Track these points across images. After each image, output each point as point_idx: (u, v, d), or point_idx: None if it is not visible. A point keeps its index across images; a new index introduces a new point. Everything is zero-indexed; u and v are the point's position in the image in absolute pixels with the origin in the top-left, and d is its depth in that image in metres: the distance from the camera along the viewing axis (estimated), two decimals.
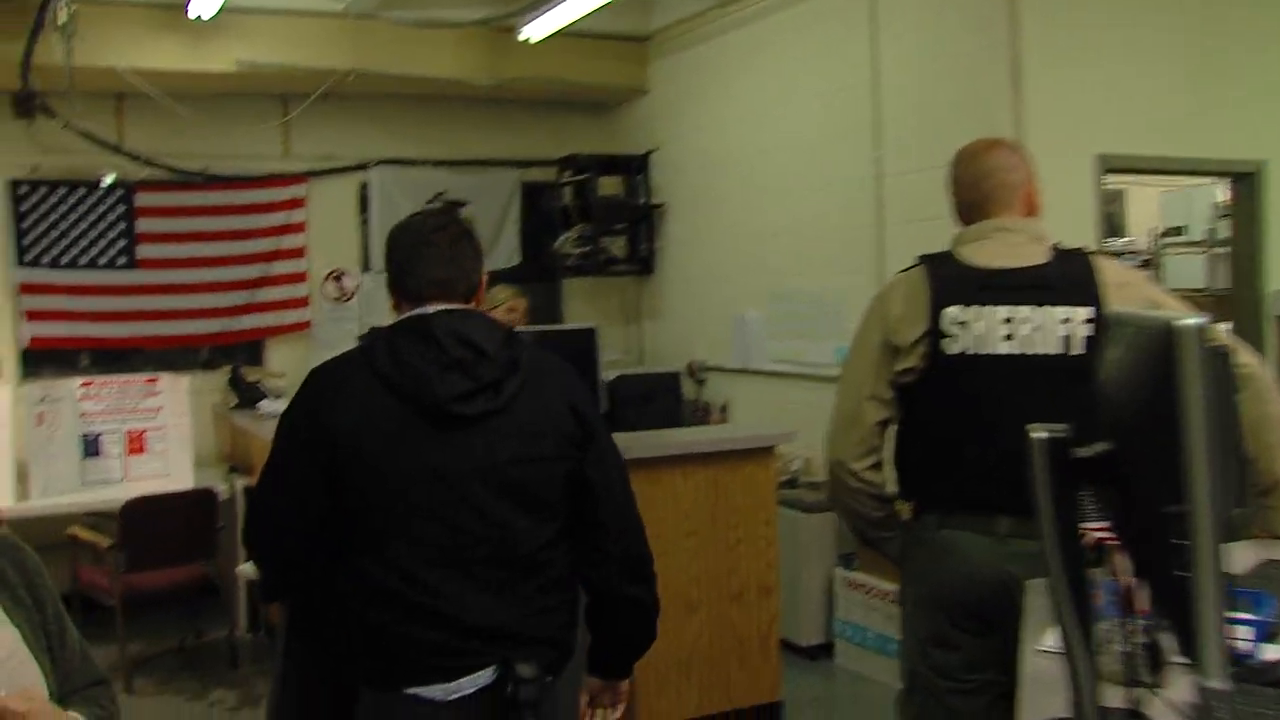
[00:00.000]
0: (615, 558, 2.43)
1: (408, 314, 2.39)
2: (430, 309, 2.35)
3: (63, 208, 7.13)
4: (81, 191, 7.17)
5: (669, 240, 7.88)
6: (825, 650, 5.84)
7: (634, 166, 7.92)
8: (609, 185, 7.89)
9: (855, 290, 5.98)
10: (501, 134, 8.20)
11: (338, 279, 7.78)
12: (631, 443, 4.65)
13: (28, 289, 7.05)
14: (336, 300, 7.77)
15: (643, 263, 7.99)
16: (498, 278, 8.12)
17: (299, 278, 7.64)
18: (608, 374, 6.52)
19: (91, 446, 6.33)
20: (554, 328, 6.43)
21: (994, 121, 4.99)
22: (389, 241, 2.49)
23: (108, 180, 7.15)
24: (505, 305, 5.54)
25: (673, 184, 7.78)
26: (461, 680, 2.24)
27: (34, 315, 7.05)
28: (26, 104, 6.85)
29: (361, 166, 7.83)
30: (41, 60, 6.25)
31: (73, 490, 6.02)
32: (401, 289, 2.44)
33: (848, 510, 2.90)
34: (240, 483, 6.04)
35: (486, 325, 2.36)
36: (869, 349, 2.83)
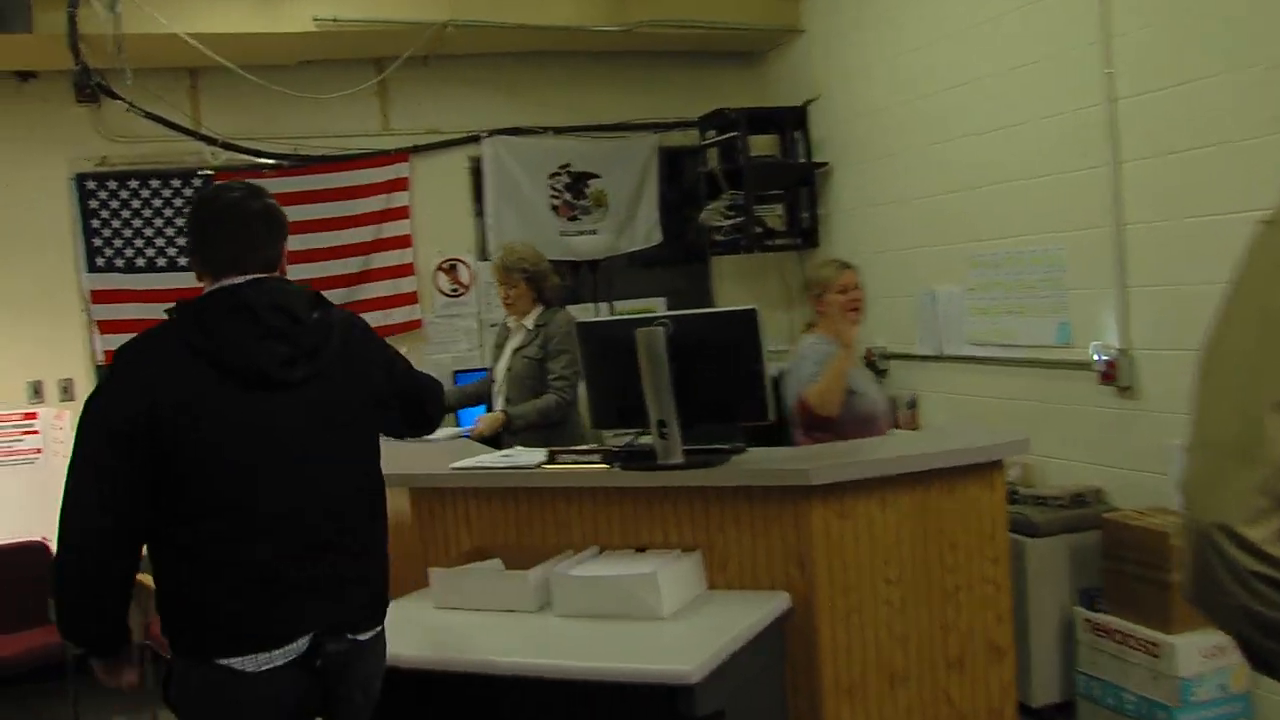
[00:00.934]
0: None
1: (214, 286, 2.47)
2: (238, 279, 2.44)
3: (135, 203, 6.22)
4: (155, 184, 6.25)
5: (835, 206, 6.61)
6: (1063, 712, 4.56)
7: (790, 121, 6.68)
8: (761, 145, 6.66)
9: (1086, 249, 4.68)
10: (633, 92, 7.04)
11: (450, 269, 6.72)
12: (809, 460, 3.43)
13: (100, 297, 6.16)
14: (450, 294, 6.71)
15: (804, 234, 6.75)
16: (635, 259, 7.15)
17: (405, 270, 6.60)
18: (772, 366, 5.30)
19: None
20: (705, 310, 5.24)
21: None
22: (190, 214, 2.65)
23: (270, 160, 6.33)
24: (837, 285, 4.39)
25: (838, 139, 6.52)
26: (274, 651, 2.33)
27: (107, 326, 6.15)
28: (87, 86, 5.93)
29: (472, 138, 6.75)
30: (89, 30, 5.31)
31: None
32: (202, 261, 2.52)
33: (1233, 611, 1.57)
34: None
35: (296, 293, 2.47)
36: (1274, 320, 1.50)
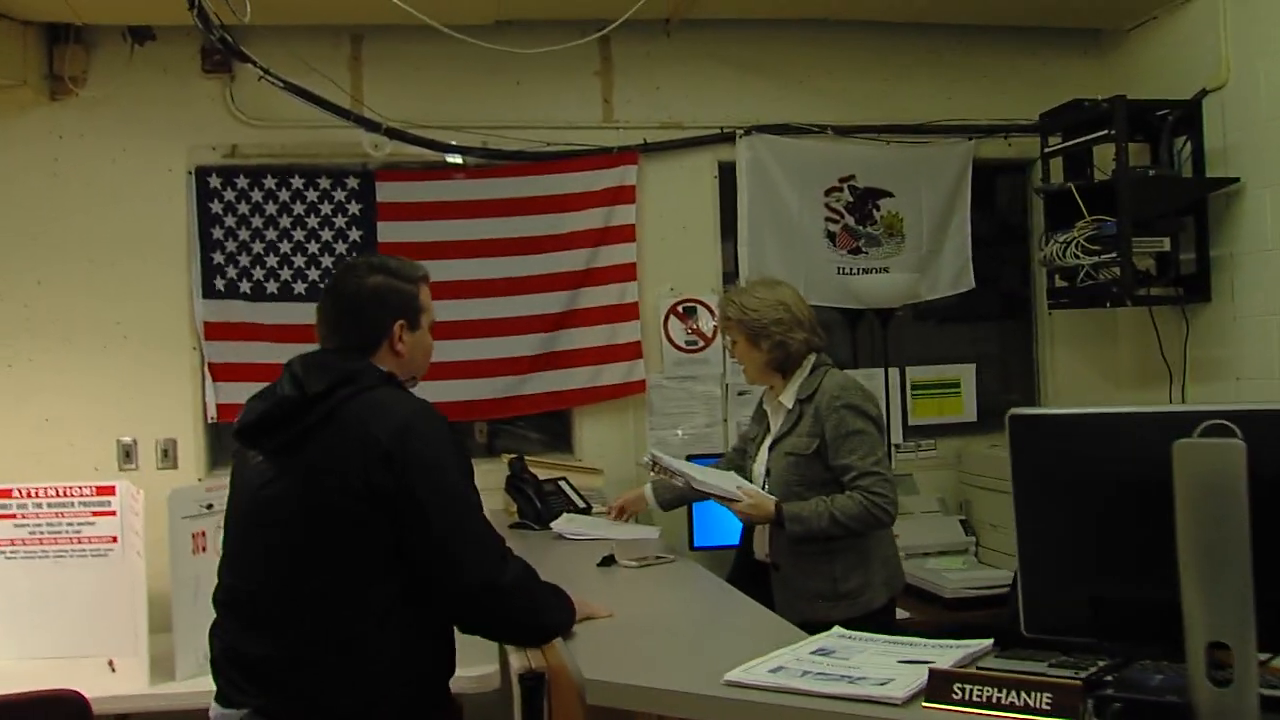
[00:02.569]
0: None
1: None
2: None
3: (270, 207, 4.59)
4: (297, 183, 4.61)
5: (1241, 243, 4.53)
6: None
7: (1168, 124, 4.63)
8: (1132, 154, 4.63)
9: None
10: (939, 81, 5.15)
11: (687, 314, 4.87)
12: None
13: (216, 331, 4.53)
14: (686, 348, 4.87)
15: (1186, 282, 4.66)
16: (925, 311, 5.20)
17: (627, 312, 4.80)
18: None
19: None
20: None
21: None
22: None
23: (453, 157, 4.71)
24: None
25: (1250, 146, 4.45)
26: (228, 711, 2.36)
27: (223, 372, 4.51)
28: (217, 51, 4.36)
29: (724, 136, 4.92)
30: None
31: None
32: None
33: None
34: None
35: (323, 367, 2.41)
36: None
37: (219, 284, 4.53)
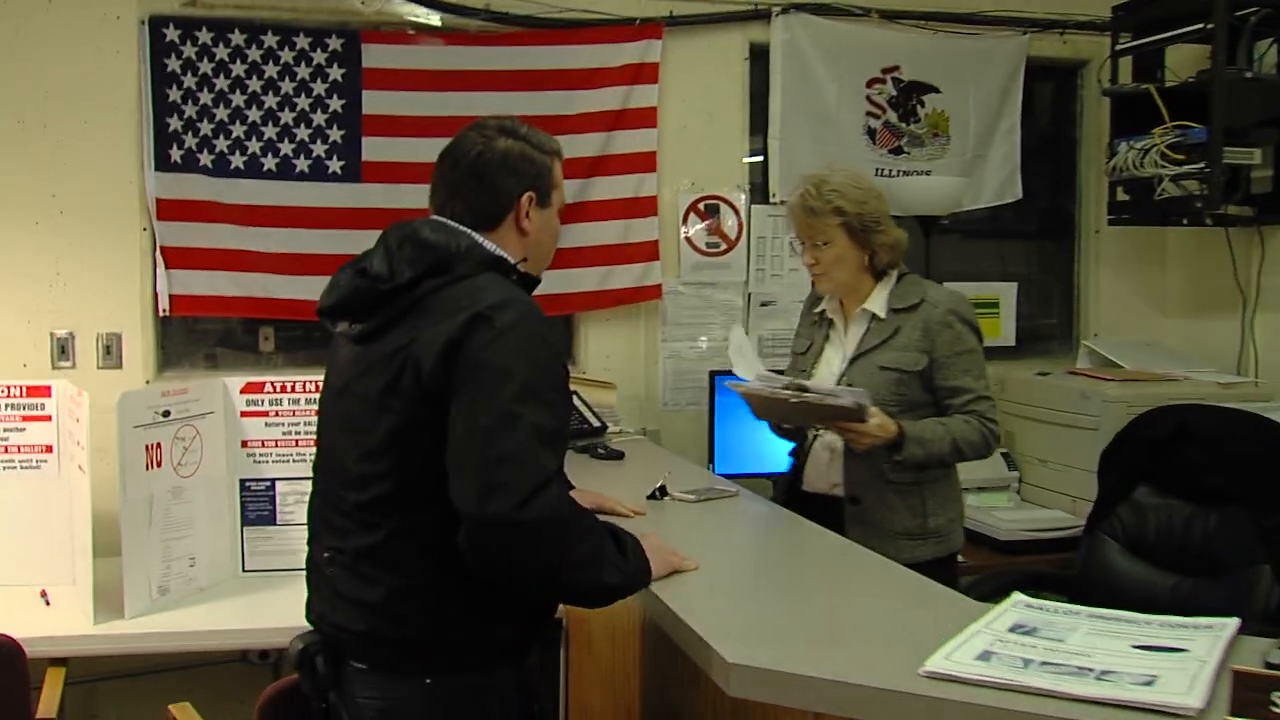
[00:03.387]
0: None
1: None
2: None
3: (237, 68, 3.92)
4: (270, 41, 3.94)
5: None
6: None
7: (1250, 24, 4.09)
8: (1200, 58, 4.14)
9: None
10: None
11: (710, 213, 4.31)
12: None
13: (169, 210, 3.88)
14: (707, 251, 4.31)
15: (1261, 203, 4.20)
16: (965, 222, 4.67)
17: (644, 207, 4.23)
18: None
19: (263, 505, 3.45)
20: None
21: None
22: None
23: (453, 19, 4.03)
24: None
25: None
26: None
27: (177, 258, 3.87)
28: None
29: (758, 14, 4.32)
30: None
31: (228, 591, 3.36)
32: None
33: None
34: None
35: (425, 249, 2.01)
36: None
37: (175, 155, 3.87)
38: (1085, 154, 4.77)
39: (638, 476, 3.31)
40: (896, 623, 1.82)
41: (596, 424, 3.76)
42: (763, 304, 4.33)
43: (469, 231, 2.07)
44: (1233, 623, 1.72)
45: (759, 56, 4.34)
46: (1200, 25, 3.95)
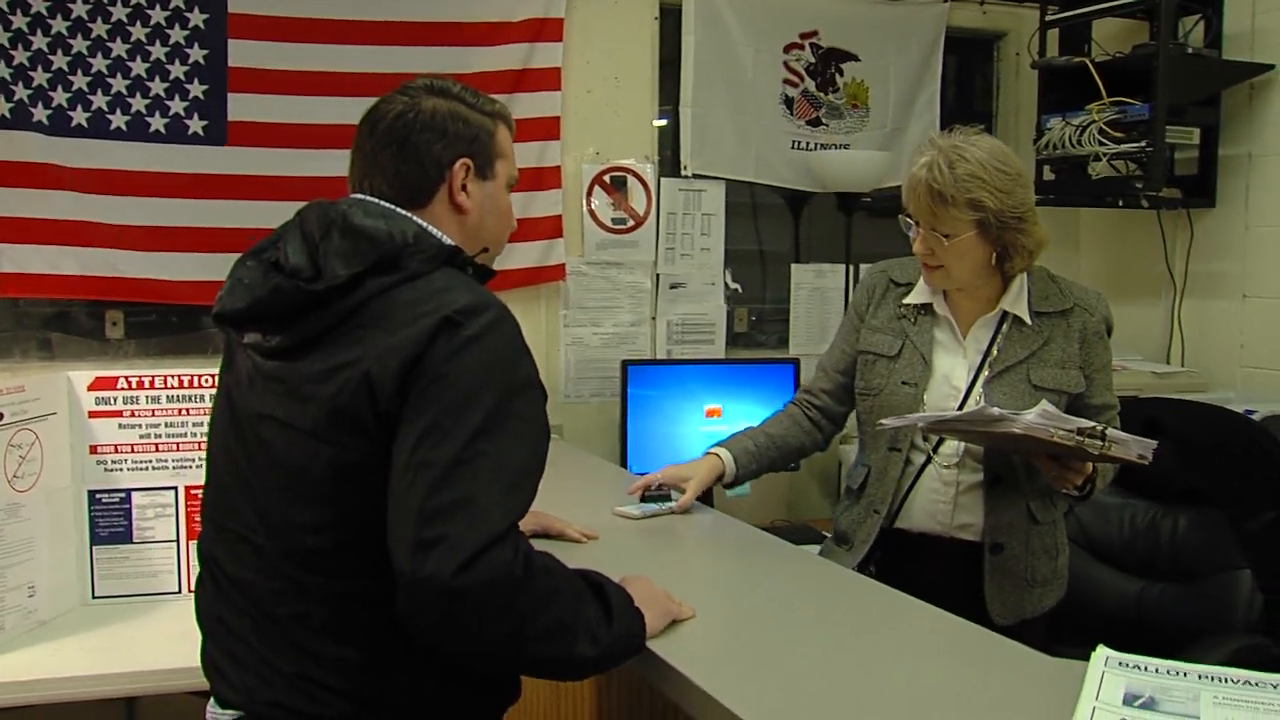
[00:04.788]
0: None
1: None
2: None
3: (79, 7, 3.37)
4: None
5: (1262, 143, 3.92)
6: None
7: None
8: (1111, 34, 3.96)
9: None
10: None
11: (617, 185, 3.93)
12: None
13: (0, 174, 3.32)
14: (613, 228, 3.93)
15: (1187, 185, 4.03)
16: (880, 200, 4.35)
17: (547, 178, 3.82)
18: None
19: (116, 520, 2.91)
20: None
21: None
22: None
23: None
24: None
25: None
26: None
27: (9, 231, 3.32)
28: None
29: None
30: None
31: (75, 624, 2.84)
32: None
33: None
34: None
35: (359, 238, 1.58)
36: None
37: (3, 108, 3.30)
38: (1003, 129, 4.54)
39: (559, 484, 2.94)
40: (978, 692, 1.48)
41: None
42: (672, 286, 3.98)
43: (410, 215, 1.67)
44: None
45: (670, 15, 3.97)
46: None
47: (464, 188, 1.71)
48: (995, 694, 1.46)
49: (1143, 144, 3.66)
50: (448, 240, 1.67)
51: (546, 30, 3.74)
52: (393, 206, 1.67)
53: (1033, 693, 1.45)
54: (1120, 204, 3.86)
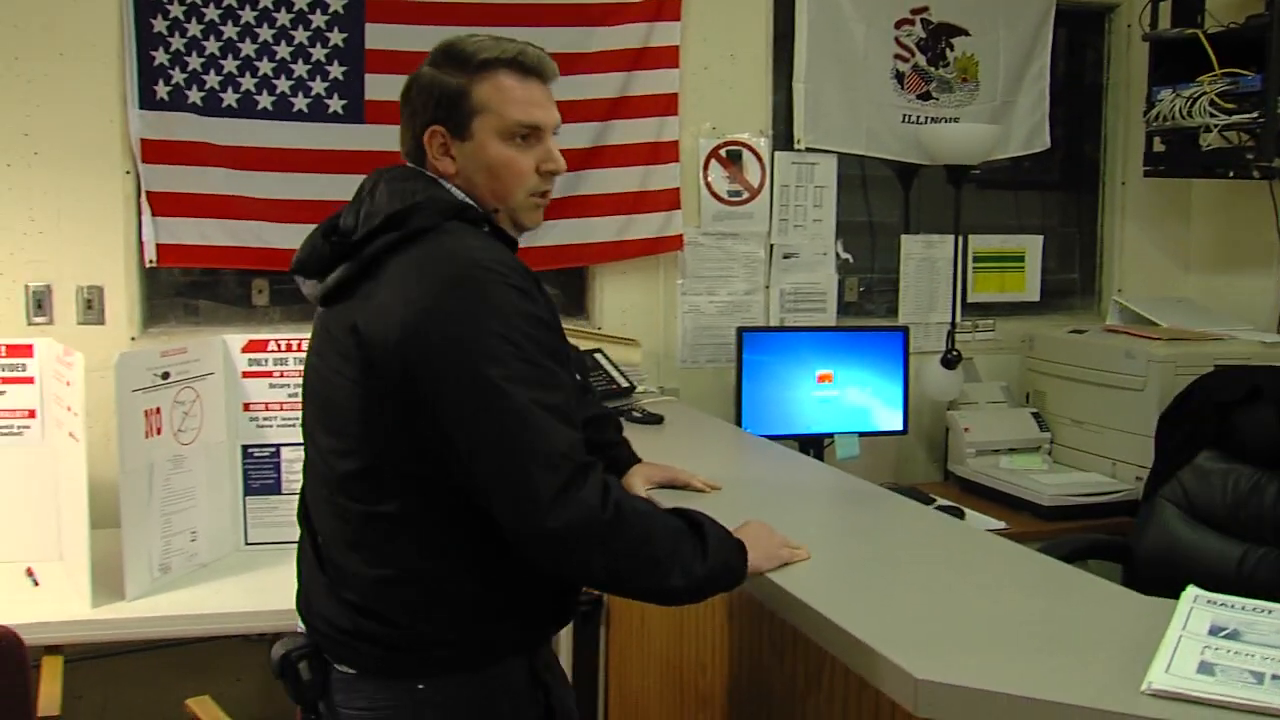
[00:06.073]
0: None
1: None
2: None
3: None
4: None
5: None
6: None
7: None
8: (1247, 3, 3.96)
9: None
10: None
11: (732, 159, 4.06)
12: None
13: (155, 152, 3.55)
14: (729, 199, 4.06)
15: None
16: (990, 173, 4.42)
17: (666, 152, 3.96)
18: None
19: (266, 472, 3.17)
20: None
21: None
22: None
23: None
24: None
25: None
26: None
27: (164, 204, 3.56)
28: None
29: None
30: None
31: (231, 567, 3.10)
32: None
33: None
34: None
35: (391, 194, 1.75)
36: None
37: (161, 92, 3.54)
38: (1113, 101, 4.57)
39: (683, 443, 3.10)
40: (1071, 624, 1.61)
41: (625, 384, 3.52)
42: (785, 256, 4.11)
43: (433, 177, 1.82)
44: None
45: None
46: None
47: (447, 153, 1.81)
48: (1090, 625, 1.59)
49: (1255, 115, 3.69)
50: (464, 197, 1.81)
51: (665, 10, 3.88)
52: (421, 169, 1.83)
53: (1127, 623, 1.57)
54: (1231, 175, 3.88)
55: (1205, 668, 1.39)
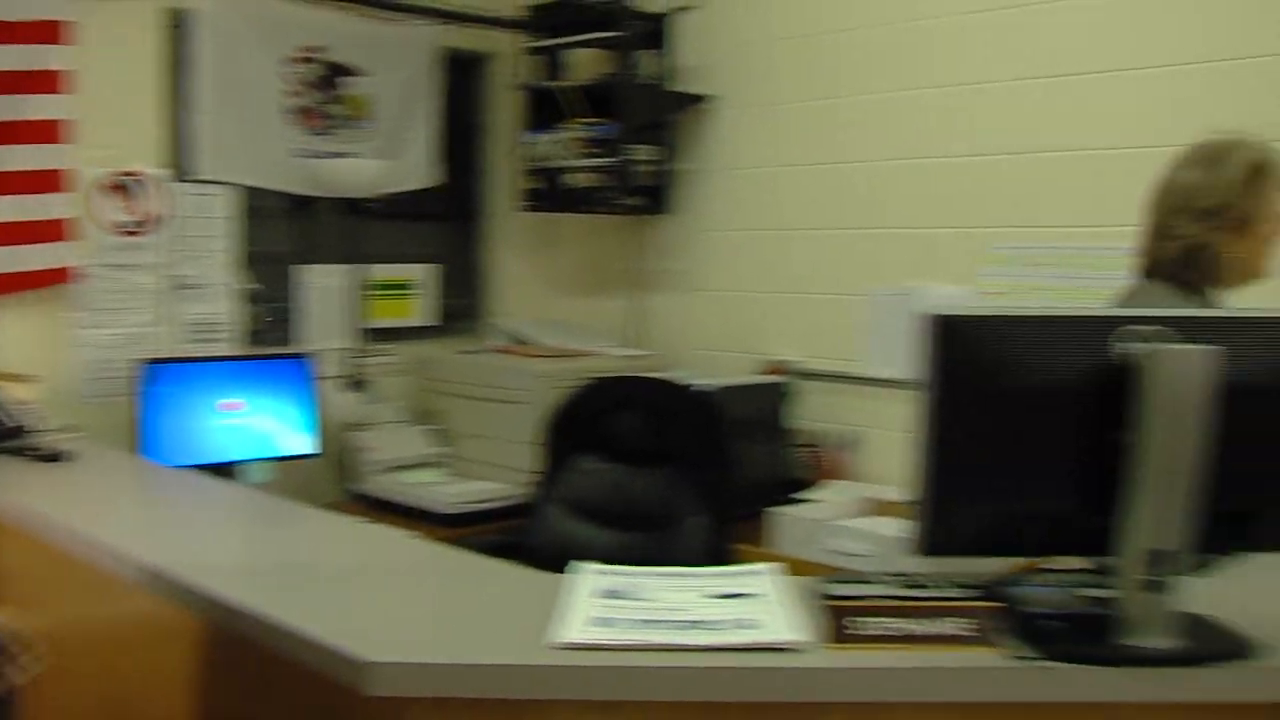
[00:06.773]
0: None
1: None
2: None
3: None
4: None
5: (712, 156, 4.69)
6: None
7: (636, 35, 4.63)
8: (585, 63, 4.59)
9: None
10: None
11: (123, 189, 4.01)
12: None
13: None
14: (122, 230, 4.01)
15: (645, 194, 4.72)
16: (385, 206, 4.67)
17: (52, 181, 3.82)
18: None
19: None
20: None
21: None
22: None
23: None
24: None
25: (724, 69, 4.63)
26: None
27: None
28: None
29: None
30: None
31: None
32: None
33: None
34: None
35: None
36: None
37: None
38: (493, 142, 5.03)
39: (90, 478, 3.06)
40: (485, 601, 1.88)
41: (12, 424, 3.37)
42: (185, 287, 4.13)
43: None
44: (772, 567, 1.98)
45: (182, 22, 4.09)
46: (602, 33, 4.35)
47: None
48: (502, 601, 1.87)
49: (612, 159, 4.27)
50: None
51: (56, 32, 3.76)
52: None
53: (532, 596, 1.86)
54: (593, 210, 4.46)
55: (602, 622, 1.71)
